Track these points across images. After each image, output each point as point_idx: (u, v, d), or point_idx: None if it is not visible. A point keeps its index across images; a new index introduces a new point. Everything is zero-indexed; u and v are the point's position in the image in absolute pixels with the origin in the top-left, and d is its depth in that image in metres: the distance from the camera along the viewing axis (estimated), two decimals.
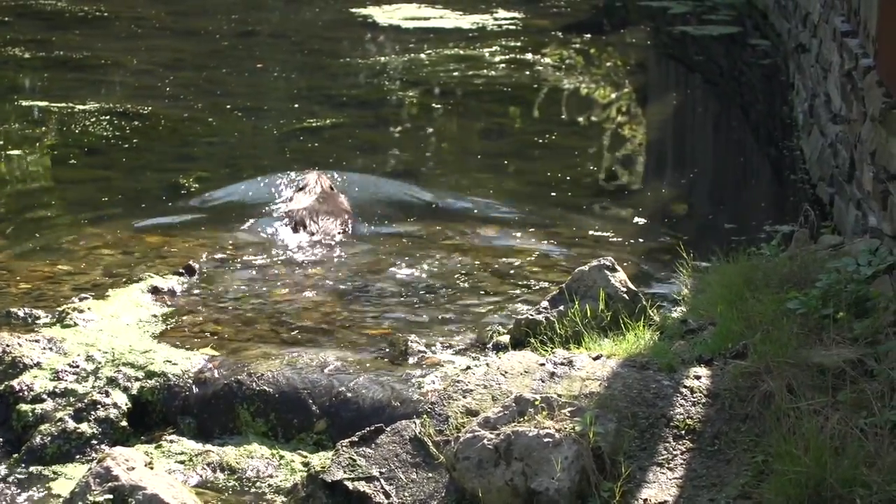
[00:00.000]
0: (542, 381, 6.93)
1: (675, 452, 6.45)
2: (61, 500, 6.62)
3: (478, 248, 10.17)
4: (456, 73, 15.85)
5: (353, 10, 19.85)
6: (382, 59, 16.44)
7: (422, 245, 10.24)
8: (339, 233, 10.38)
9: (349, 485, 6.57)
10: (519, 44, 17.39)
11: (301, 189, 10.97)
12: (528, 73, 16.08)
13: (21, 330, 8.24)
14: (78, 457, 7.15)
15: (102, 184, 11.71)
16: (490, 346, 8.24)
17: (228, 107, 14.22)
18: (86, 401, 7.39)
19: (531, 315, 8.10)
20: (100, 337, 8.03)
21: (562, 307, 8.03)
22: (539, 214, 11.02)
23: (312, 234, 10.30)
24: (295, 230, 10.39)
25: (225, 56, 16.67)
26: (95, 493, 6.36)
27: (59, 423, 7.26)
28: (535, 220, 10.89)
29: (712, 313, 7.55)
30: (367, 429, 6.94)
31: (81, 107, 13.84)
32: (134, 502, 6.31)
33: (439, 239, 10.39)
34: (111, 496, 6.33)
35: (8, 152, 12.46)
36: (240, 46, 17.45)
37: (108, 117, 13.52)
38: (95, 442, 7.24)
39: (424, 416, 6.87)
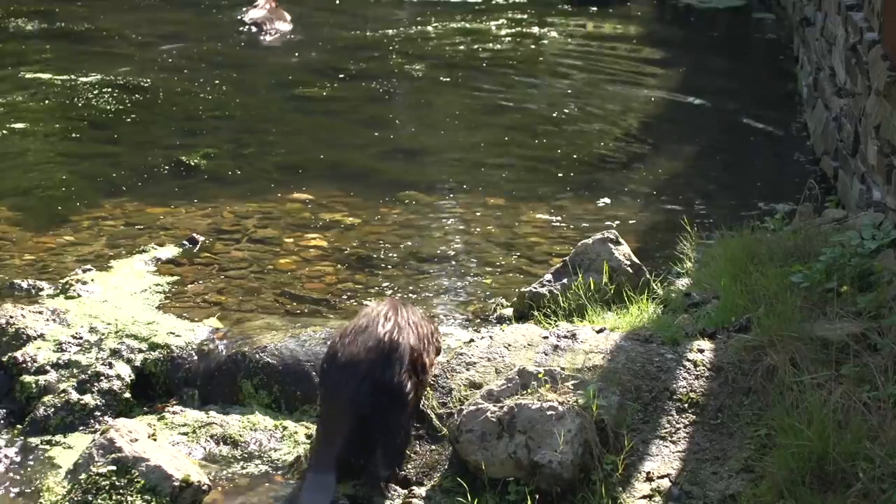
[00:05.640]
0: (546, 354, 6.93)
1: (678, 426, 6.46)
2: (64, 471, 6.63)
3: (482, 220, 10.17)
4: (462, 47, 15.81)
5: None
6: (389, 31, 16.39)
7: (426, 217, 10.24)
8: (285, 32, 16.04)
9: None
10: (525, 17, 17.34)
11: (254, 6, 16.68)
12: (533, 46, 16.04)
13: (25, 301, 8.24)
14: (81, 428, 7.16)
15: (106, 156, 11.70)
16: (493, 318, 8.24)
17: (232, 77, 14.19)
18: (89, 372, 7.39)
19: (535, 288, 8.10)
20: (103, 308, 8.04)
21: (565, 280, 8.03)
22: (543, 187, 11.02)
23: (268, 32, 16.06)
24: (258, 31, 16.07)
25: (227, 28, 16.62)
26: (99, 464, 6.37)
27: (62, 395, 7.27)
28: (539, 192, 10.88)
29: (716, 287, 7.55)
30: None
31: (84, 79, 13.81)
32: (137, 474, 6.32)
33: (443, 211, 10.38)
34: (114, 467, 6.34)
35: (11, 124, 12.44)
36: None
37: (110, 90, 13.49)
38: (99, 413, 7.24)
39: (427, 388, 6.88)
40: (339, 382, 6.31)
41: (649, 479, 6.18)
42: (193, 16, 17.27)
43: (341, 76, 14.37)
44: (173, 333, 7.74)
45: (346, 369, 6.32)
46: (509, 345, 7.11)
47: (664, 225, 10.00)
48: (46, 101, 13.23)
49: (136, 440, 6.48)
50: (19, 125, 12.47)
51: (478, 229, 9.97)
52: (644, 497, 6.10)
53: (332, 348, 6.48)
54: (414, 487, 6.42)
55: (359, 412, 6.26)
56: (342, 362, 6.35)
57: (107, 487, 6.30)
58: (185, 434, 7.05)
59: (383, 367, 6.35)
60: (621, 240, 8.21)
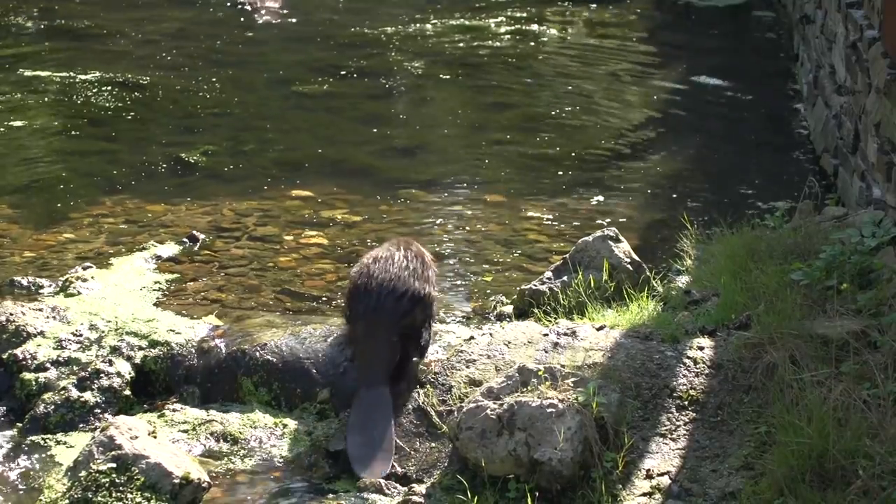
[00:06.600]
0: (546, 352, 6.93)
1: (678, 423, 6.46)
2: (64, 468, 6.62)
3: (481, 217, 10.16)
4: (461, 44, 15.81)
5: None
6: (388, 28, 16.38)
7: (425, 214, 10.24)
8: (275, 8, 17.39)
9: None
10: (525, 14, 17.33)
11: None
12: (533, 44, 16.04)
13: (25, 298, 8.24)
14: (81, 426, 7.15)
15: (106, 154, 11.70)
16: (493, 316, 8.24)
17: (231, 75, 14.19)
18: (89, 369, 7.39)
19: (535, 285, 8.10)
20: (103, 305, 8.03)
21: (565, 277, 8.02)
22: (543, 184, 11.01)
23: (260, 9, 17.34)
24: (250, 10, 17.23)
25: (227, 25, 16.62)
26: (99, 461, 6.36)
27: (62, 392, 7.26)
28: (539, 190, 10.88)
29: (716, 284, 7.55)
30: None
31: (83, 77, 13.80)
32: (137, 471, 6.31)
33: (443, 208, 10.38)
34: (114, 465, 6.34)
35: (10, 122, 12.44)
36: (242, 17, 17.39)
37: (109, 87, 13.49)
38: (99, 411, 7.24)
39: (427, 385, 6.88)
40: (380, 299, 7.06)
41: (649, 476, 6.19)
42: (191, 13, 17.27)
43: (341, 73, 14.37)
44: (173, 331, 7.74)
45: (385, 287, 7.08)
46: (509, 342, 7.11)
47: (664, 222, 10.00)
48: (46, 99, 13.23)
49: (137, 438, 6.47)
50: (19, 122, 12.47)
51: (478, 226, 9.97)
52: (644, 494, 6.10)
53: (365, 275, 7.20)
54: (414, 485, 6.42)
55: (401, 322, 7.03)
56: (380, 282, 7.11)
57: (107, 485, 6.29)
58: (185, 431, 7.05)
59: (417, 281, 7.17)
60: (621, 237, 8.21)
